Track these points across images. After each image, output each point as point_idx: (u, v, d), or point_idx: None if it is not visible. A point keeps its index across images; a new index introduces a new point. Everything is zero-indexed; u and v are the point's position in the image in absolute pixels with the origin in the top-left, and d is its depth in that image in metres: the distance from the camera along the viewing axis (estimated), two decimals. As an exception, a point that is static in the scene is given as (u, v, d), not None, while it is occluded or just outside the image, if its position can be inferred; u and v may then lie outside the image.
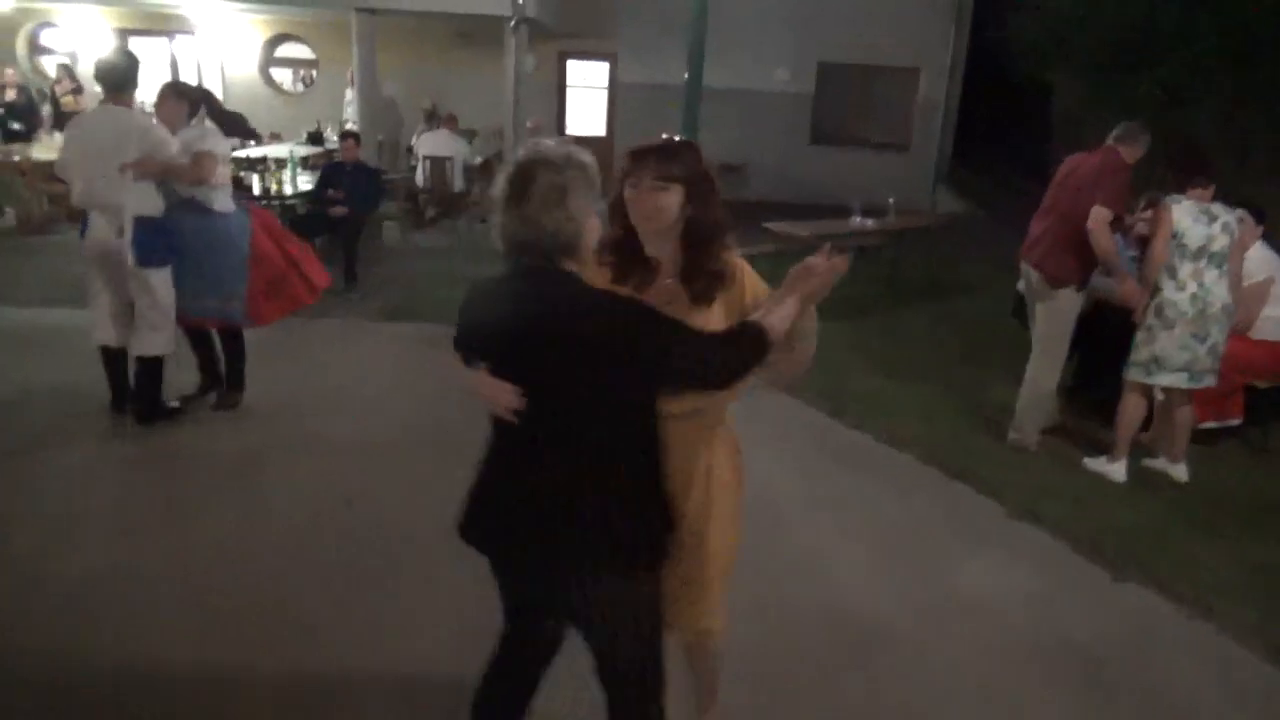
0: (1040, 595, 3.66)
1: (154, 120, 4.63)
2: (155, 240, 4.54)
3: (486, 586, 2.13)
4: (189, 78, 14.98)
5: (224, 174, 4.78)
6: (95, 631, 3.10)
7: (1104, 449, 4.86)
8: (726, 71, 13.45)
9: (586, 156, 1.88)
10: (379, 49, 10.87)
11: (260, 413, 5.11)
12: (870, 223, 8.14)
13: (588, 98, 15.21)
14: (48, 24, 14.83)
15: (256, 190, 8.20)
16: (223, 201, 4.75)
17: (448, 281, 8.02)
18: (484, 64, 13.40)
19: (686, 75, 7.05)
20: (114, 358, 4.82)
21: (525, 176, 1.81)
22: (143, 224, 4.49)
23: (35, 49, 15.09)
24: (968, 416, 5.56)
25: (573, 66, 15.05)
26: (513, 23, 10.36)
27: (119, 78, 4.51)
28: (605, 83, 15.01)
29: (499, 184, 1.85)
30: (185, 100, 4.80)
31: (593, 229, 1.90)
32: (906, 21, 13.71)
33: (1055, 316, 4.88)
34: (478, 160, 11.50)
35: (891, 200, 8.47)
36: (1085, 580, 3.81)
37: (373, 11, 10.30)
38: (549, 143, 1.90)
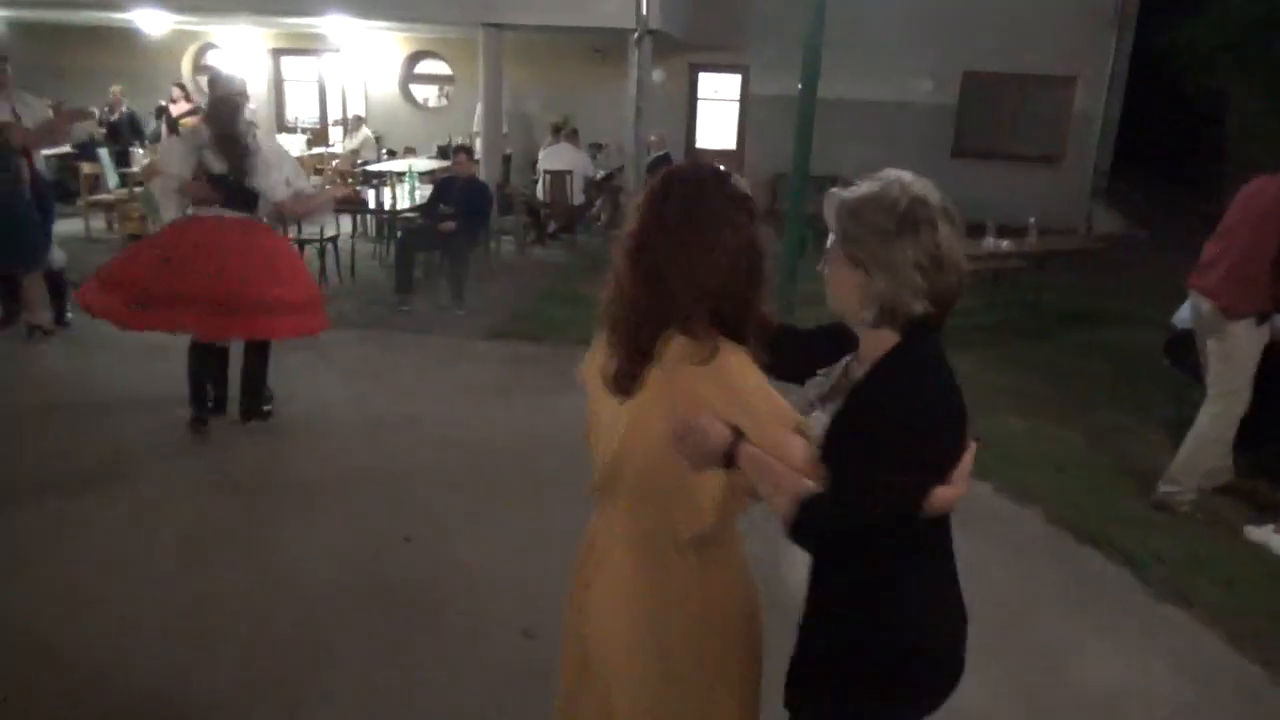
0: (1183, 699, 3.07)
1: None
2: None
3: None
4: (335, 95, 15.58)
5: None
6: (157, 659, 2.99)
7: (1272, 515, 4.16)
8: (863, 83, 12.88)
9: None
10: (514, 64, 10.91)
11: (338, 434, 5.01)
12: (1006, 244, 7.45)
13: (718, 111, 14.89)
14: (210, 45, 15.72)
15: (371, 203, 8.28)
16: None
17: (557, 299, 7.87)
18: (614, 78, 13.29)
19: (799, 85, 6.61)
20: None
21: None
22: None
23: (199, 69, 16.02)
24: (1109, 469, 4.89)
25: (703, 79, 14.77)
26: (636, 35, 10.14)
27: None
28: (736, 95, 14.66)
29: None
30: None
31: None
32: (1062, 27, 12.77)
33: (1231, 353, 4.19)
34: (600, 174, 11.37)
35: (1032, 220, 7.73)
36: (1240, 683, 3.18)
37: (499, 26, 10.30)
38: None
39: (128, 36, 14.06)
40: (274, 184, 4.58)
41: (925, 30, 12.87)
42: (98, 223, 10.16)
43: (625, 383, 1.61)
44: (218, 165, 4.48)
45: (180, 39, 15.10)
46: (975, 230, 8.06)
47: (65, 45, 14.46)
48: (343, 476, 4.47)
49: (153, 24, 12.98)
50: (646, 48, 10.41)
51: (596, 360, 1.69)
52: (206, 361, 4.82)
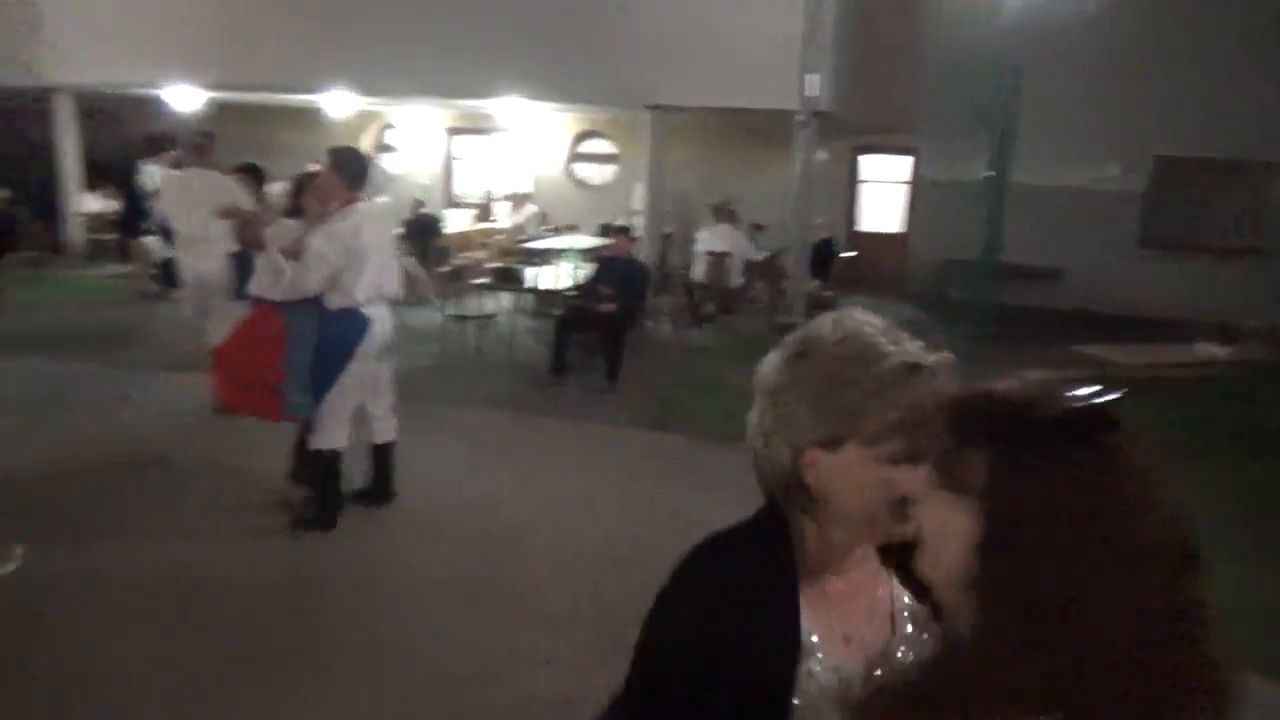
0: None
1: None
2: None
3: None
4: (502, 173, 16.11)
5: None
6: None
7: None
8: (1041, 166, 12.21)
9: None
10: (676, 144, 10.93)
11: (450, 534, 4.79)
12: (1220, 350, 6.66)
13: (882, 193, 14.48)
14: (389, 125, 16.61)
15: (530, 283, 8.29)
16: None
17: (707, 388, 7.59)
18: (774, 158, 13.14)
19: (988, 171, 6.18)
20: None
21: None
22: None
23: (380, 148, 16.94)
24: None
25: (866, 161, 14.42)
26: (800, 117, 9.95)
27: (362, 173, 4.62)
28: (902, 177, 14.23)
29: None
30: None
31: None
32: (1270, 107, 11.76)
33: None
34: (760, 256, 11.14)
35: (1253, 324, 6.92)
36: None
37: (663, 108, 10.35)
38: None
39: (315, 116, 15.02)
40: None
41: (1110, 110, 12.13)
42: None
43: None
44: None
45: (363, 119, 16.01)
46: (1164, 327, 7.29)
47: (260, 124, 15.58)
48: (460, 573, 4.25)
49: (339, 106, 13.80)
50: (812, 129, 10.20)
51: None
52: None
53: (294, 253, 4.47)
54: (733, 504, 1.23)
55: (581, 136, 15.72)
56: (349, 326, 4.53)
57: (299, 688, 3.36)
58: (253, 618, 3.80)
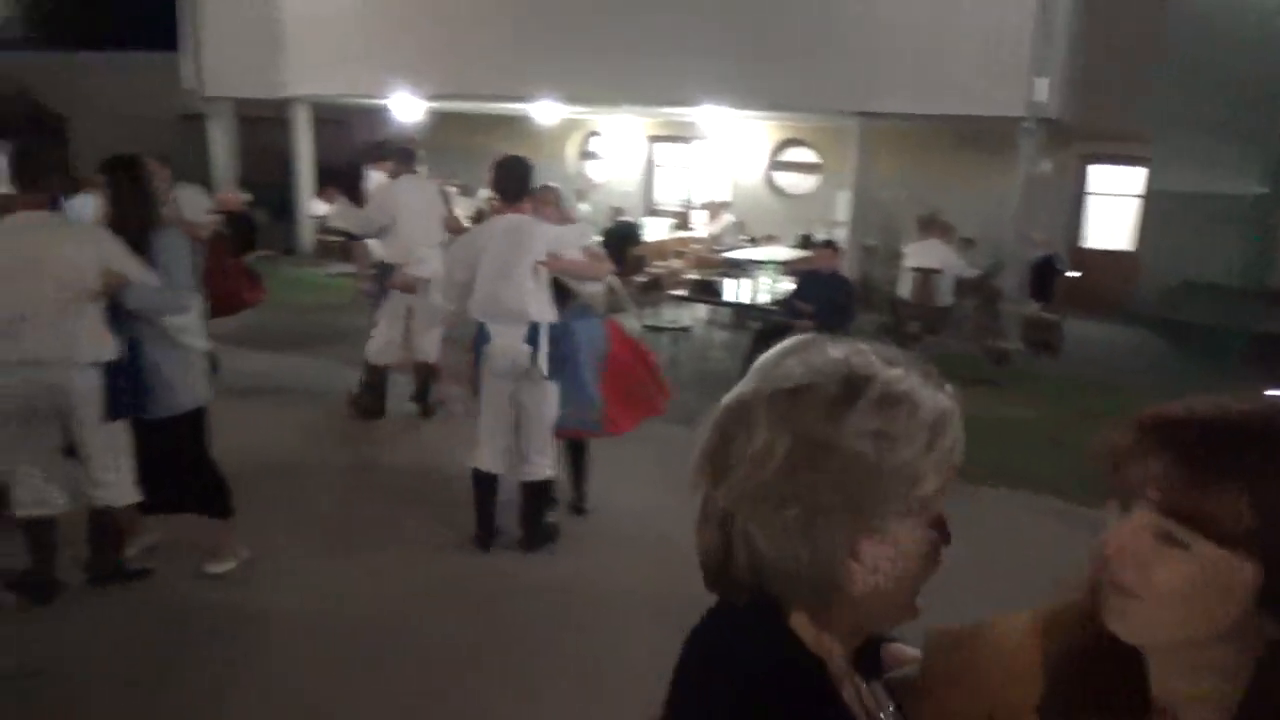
0: None
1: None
2: (557, 349, 4.34)
3: None
4: (702, 179, 16.02)
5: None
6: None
7: None
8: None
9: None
10: (882, 153, 10.44)
11: (660, 544, 4.62)
12: None
13: (1111, 206, 13.27)
14: (594, 132, 16.90)
15: (727, 295, 8.08)
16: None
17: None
18: (990, 169, 12.32)
19: (1259, 188, 5.41)
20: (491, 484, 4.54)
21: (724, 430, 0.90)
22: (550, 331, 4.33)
23: (584, 154, 17.29)
24: None
25: (1095, 171, 13.26)
26: (1026, 124, 9.22)
27: (516, 185, 4.44)
28: (1135, 190, 12.97)
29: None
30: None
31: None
32: None
33: None
34: (973, 273, 10.43)
35: None
36: None
37: (874, 115, 9.88)
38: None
39: (524, 125, 15.48)
40: None
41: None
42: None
43: None
44: None
45: (568, 127, 16.37)
46: None
47: (474, 131, 16.23)
48: (648, 600, 4.06)
49: (547, 114, 14.13)
50: (1038, 138, 9.44)
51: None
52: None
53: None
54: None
55: (783, 144, 15.38)
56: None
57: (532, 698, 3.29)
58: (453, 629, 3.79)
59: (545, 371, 4.28)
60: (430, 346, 6.47)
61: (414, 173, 6.66)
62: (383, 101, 13.61)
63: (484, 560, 4.42)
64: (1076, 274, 11.67)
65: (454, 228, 6.50)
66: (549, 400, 4.38)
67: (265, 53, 13.12)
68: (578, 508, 4.93)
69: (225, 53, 14.24)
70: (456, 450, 5.15)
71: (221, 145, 14.95)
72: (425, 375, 6.55)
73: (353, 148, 15.51)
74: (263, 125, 18.48)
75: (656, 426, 6.46)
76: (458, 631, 3.77)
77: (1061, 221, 12.92)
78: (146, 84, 17.54)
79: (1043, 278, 9.91)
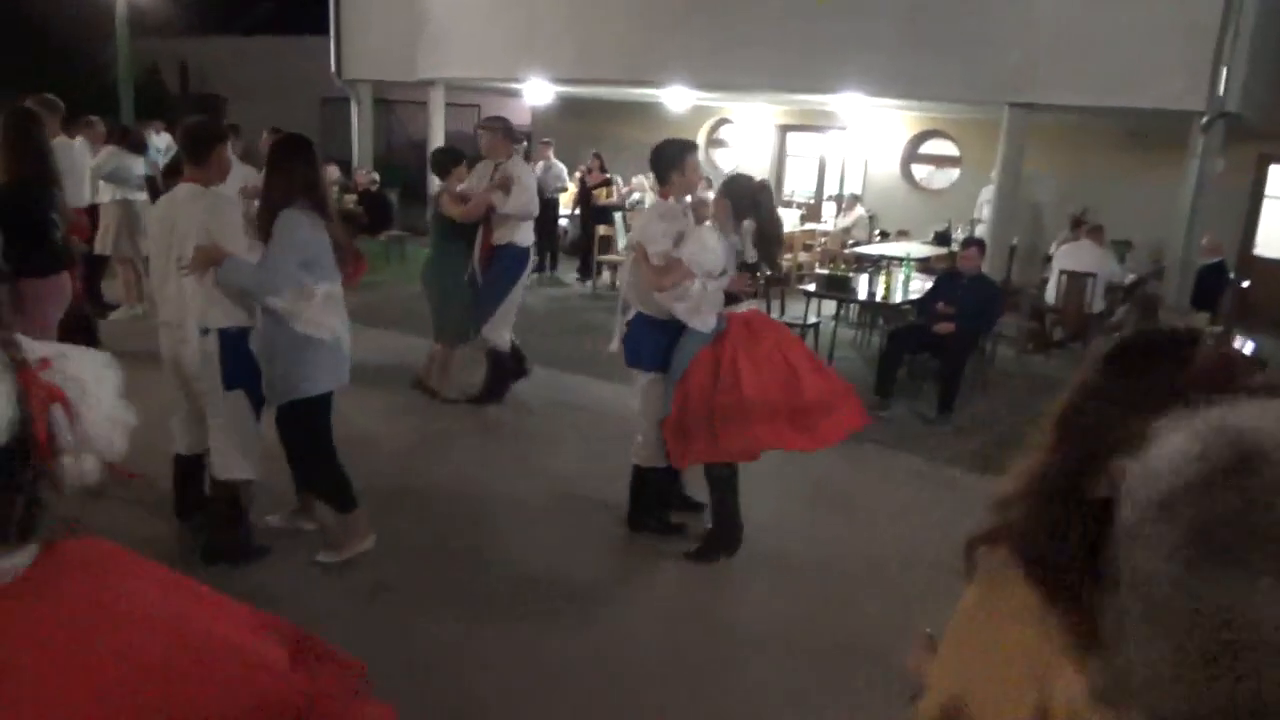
0: None
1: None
2: None
3: None
4: (834, 171, 15.46)
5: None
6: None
7: None
8: None
9: None
10: (1031, 147, 9.72)
11: (783, 578, 4.32)
12: None
13: (1290, 212, 12.07)
14: (725, 120, 16.54)
15: (862, 293, 7.64)
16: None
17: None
18: (1155, 166, 11.37)
19: None
20: None
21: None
22: None
23: (713, 142, 16.96)
24: None
25: (1276, 172, 12.07)
26: (1205, 119, 8.38)
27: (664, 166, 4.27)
28: (1319, 194, 11.76)
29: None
30: None
31: None
32: None
33: None
34: (1128, 279, 9.64)
35: None
36: None
37: (1030, 106, 9.18)
38: None
39: (653, 111, 15.26)
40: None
41: None
42: (604, 280, 10.90)
43: None
44: (751, 254, 4.17)
45: (698, 114, 16.06)
46: None
47: (599, 118, 16.11)
48: (784, 632, 3.76)
49: (677, 101, 13.87)
50: (1216, 134, 8.59)
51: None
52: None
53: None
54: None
55: (921, 136, 14.66)
56: None
57: None
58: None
59: None
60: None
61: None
62: (517, 86, 13.64)
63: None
64: (1246, 284, 10.65)
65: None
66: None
67: (403, 37, 13.32)
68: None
69: (366, 37, 14.56)
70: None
71: (361, 126, 15.32)
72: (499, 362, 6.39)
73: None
74: (404, 109, 18.91)
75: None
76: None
77: (1233, 226, 11.83)
78: (298, 67, 18.21)
79: (1209, 287, 9.04)
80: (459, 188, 6.08)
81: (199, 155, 3.80)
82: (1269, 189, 12.11)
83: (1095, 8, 8.54)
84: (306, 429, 3.88)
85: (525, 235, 6.07)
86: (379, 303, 8.98)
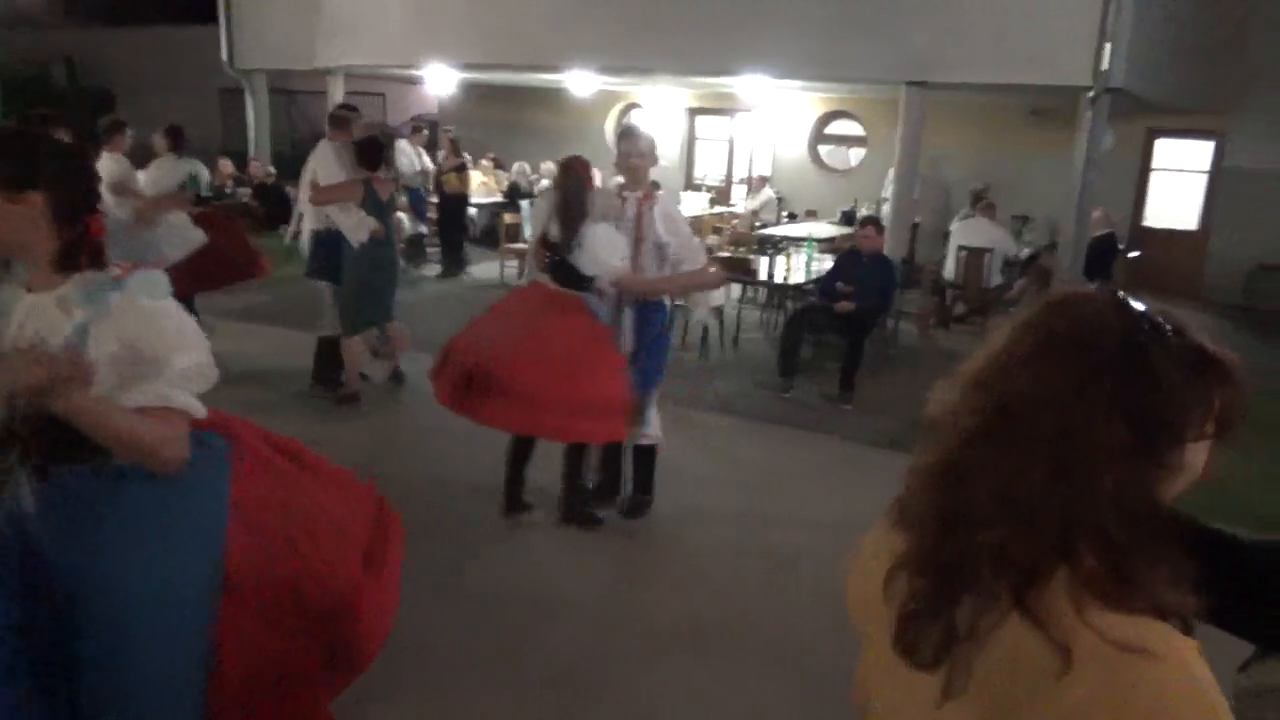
0: None
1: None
2: None
3: None
4: (743, 154, 15.50)
5: None
6: None
7: None
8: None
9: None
10: (935, 127, 9.86)
11: (708, 559, 4.29)
12: None
13: (1176, 183, 12.51)
14: (634, 105, 16.45)
15: (762, 274, 7.66)
16: None
17: (961, 401, 6.67)
18: (1052, 144, 11.67)
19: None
20: None
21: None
22: None
23: (621, 127, 16.84)
24: None
25: (1162, 146, 12.50)
26: (1092, 94, 8.60)
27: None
28: (1204, 166, 12.21)
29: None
30: None
31: None
32: None
33: None
34: (1024, 253, 9.88)
35: None
36: None
37: (925, 85, 9.30)
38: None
39: (560, 96, 15.09)
40: (599, 262, 4.01)
41: None
42: (510, 268, 10.72)
43: (928, 644, 0.88)
44: (553, 231, 4.06)
45: (606, 99, 15.95)
46: None
47: (510, 105, 15.87)
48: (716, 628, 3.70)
49: (582, 86, 13.73)
50: (1103, 109, 8.81)
51: (871, 568, 1.03)
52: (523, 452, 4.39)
53: None
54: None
55: (828, 117, 14.81)
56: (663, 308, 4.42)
57: None
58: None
59: None
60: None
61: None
62: (418, 72, 13.32)
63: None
64: (1136, 254, 11.02)
65: None
66: None
67: (300, 24, 12.89)
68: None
69: (261, 25, 14.06)
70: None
71: (257, 117, 14.80)
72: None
73: (385, 122, 15.30)
74: (307, 100, 18.35)
75: (692, 412, 6.14)
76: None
77: (1124, 199, 12.22)
78: (192, 58, 17.49)
79: (1100, 258, 9.32)
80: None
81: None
82: (1156, 162, 12.53)
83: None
84: None
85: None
86: (277, 300, 8.68)
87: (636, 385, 4.11)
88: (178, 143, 7.00)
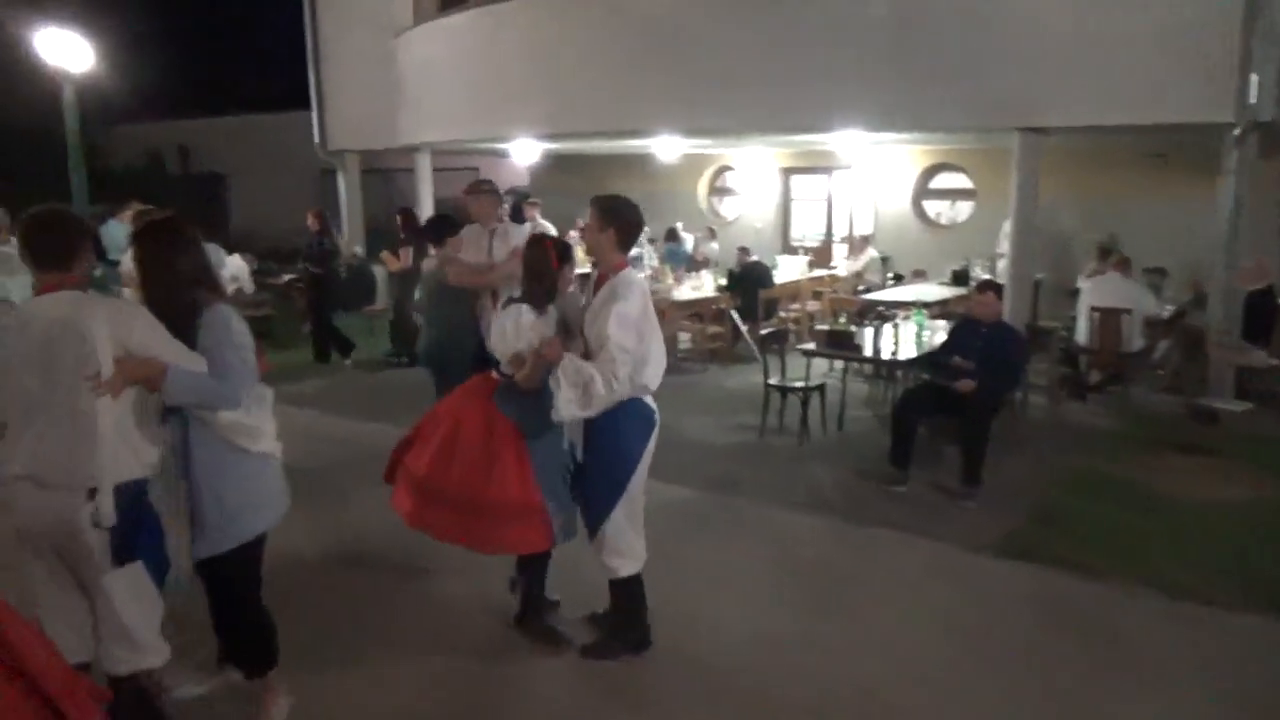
0: None
1: None
2: None
3: None
4: (842, 212, 14.74)
5: None
6: None
7: None
8: None
9: None
10: (1048, 174, 8.93)
11: (753, 693, 3.49)
12: None
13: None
14: (726, 167, 15.94)
15: (868, 349, 6.87)
16: None
17: (1101, 489, 5.75)
18: (1183, 187, 10.57)
19: None
20: None
21: None
22: None
23: (714, 190, 16.35)
24: None
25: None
26: (1237, 131, 7.59)
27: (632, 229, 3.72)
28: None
29: None
30: None
31: None
32: None
33: None
34: (1166, 312, 8.77)
35: None
36: None
37: (1041, 131, 8.43)
38: None
39: (646, 162, 14.69)
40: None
41: None
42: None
43: None
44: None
45: (695, 162, 15.50)
46: None
47: (593, 173, 15.54)
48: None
49: (668, 150, 13.32)
50: (1250, 146, 7.79)
51: None
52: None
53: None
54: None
55: (931, 170, 13.94)
56: (641, 419, 3.61)
57: None
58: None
59: None
60: None
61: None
62: (503, 146, 13.13)
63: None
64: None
65: None
66: None
67: (383, 104, 12.95)
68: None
69: (347, 107, 14.25)
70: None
71: (350, 196, 14.93)
72: None
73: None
74: (402, 178, 18.54)
75: (776, 512, 5.38)
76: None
77: (1268, 248, 10.89)
78: (292, 141, 17.89)
79: (1260, 315, 8.15)
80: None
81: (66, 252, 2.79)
82: (1308, 203, 11.17)
83: (1105, 17, 7.81)
84: (253, 573, 3.15)
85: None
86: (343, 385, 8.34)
87: (582, 497, 3.68)
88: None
